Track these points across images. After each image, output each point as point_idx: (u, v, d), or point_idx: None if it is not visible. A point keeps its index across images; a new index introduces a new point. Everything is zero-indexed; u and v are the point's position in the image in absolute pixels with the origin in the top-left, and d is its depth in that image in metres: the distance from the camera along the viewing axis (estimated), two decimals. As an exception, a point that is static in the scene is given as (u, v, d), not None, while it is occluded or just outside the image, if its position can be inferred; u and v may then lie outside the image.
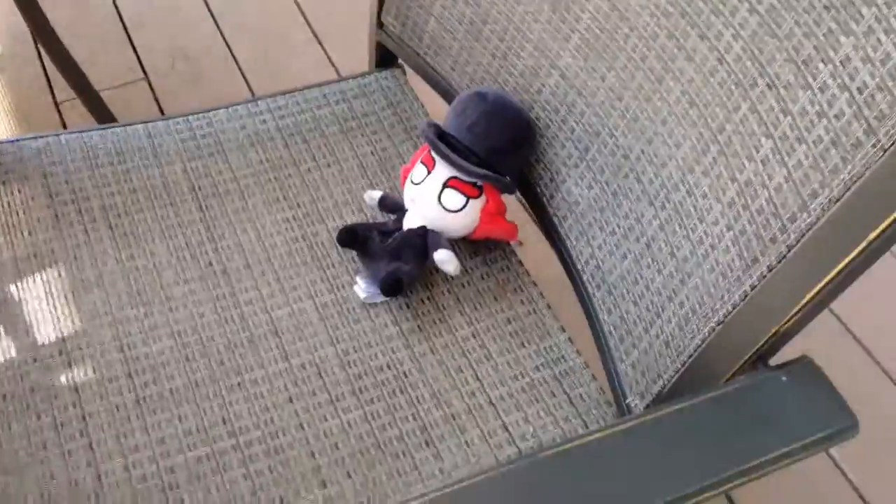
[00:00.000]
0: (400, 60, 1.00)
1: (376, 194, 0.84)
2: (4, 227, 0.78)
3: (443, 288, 0.81)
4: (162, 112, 1.58)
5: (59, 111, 1.57)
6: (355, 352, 0.76)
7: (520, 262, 0.84)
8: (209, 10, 1.75)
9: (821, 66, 0.54)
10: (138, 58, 1.66)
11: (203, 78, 1.64)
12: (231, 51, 1.68)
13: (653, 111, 0.69)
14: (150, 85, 1.62)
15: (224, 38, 1.70)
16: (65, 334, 0.73)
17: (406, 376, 0.75)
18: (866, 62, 0.51)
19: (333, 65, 1.67)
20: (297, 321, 0.77)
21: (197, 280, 0.78)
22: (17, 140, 0.84)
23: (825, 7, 0.54)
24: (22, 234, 0.78)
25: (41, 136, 0.85)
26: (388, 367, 0.75)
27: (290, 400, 0.72)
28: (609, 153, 0.74)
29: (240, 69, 1.65)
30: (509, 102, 0.79)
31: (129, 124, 0.88)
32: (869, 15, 0.51)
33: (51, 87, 1.60)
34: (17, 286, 0.75)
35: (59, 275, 0.76)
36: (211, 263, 0.80)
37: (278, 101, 0.94)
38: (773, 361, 0.59)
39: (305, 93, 0.95)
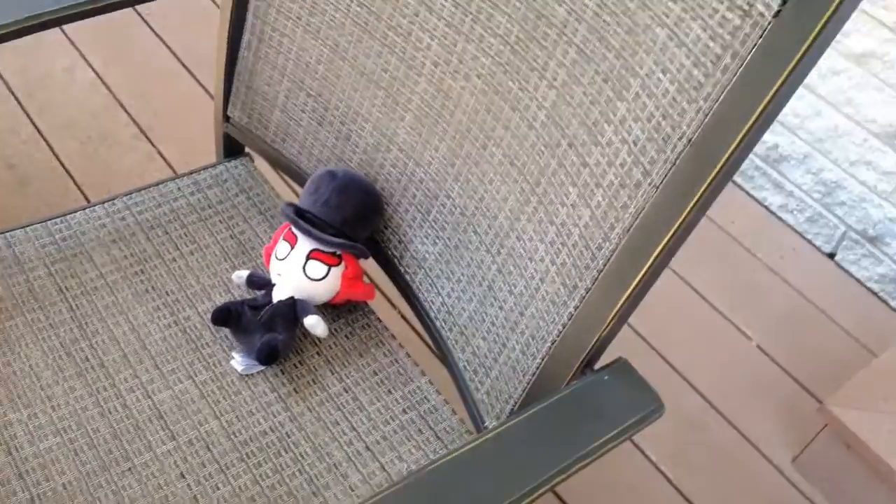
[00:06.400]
0: (247, 149, 1.13)
1: (244, 273, 0.95)
2: None
3: (312, 351, 0.94)
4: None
5: None
6: (239, 421, 0.86)
7: (378, 319, 0.98)
8: (26, 114, 1.81)
9: (605, 126, 0.72)
10: (-45, 168, 1.69)
11: (29, 185, 1.69)
12: (55, 153, 1.75)
13: (481, 173, 0.86)
14: (-30, 195, 1.66)
15: (46, 141, 1.77)
16: (-50, 441, 0.79)
17: (288, 437, 0.86)
18: (637, 120, 0.69)
19: (164, 158, 1.77)
20: (179, 402, 0.87)
21: (75, 377, 0.87)
22: None
23: (604, 80, 0.72)
24: None
25: None
26: (271, 430, 0.86)
27: (182, 475, 0.81)
28: (448, 212, 0.90)
29: (66, 171, 1.72)
30: (357, 177, 0.94)
31: (-14, 235, 0.96)
32: (636, 84, 0.69)
33: None
34: None
35: (-63, 385, 0.82)
36: (87, 359, 0.88)
37: (134, 198, 1.04)
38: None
39: (161, 187, 1.06)
